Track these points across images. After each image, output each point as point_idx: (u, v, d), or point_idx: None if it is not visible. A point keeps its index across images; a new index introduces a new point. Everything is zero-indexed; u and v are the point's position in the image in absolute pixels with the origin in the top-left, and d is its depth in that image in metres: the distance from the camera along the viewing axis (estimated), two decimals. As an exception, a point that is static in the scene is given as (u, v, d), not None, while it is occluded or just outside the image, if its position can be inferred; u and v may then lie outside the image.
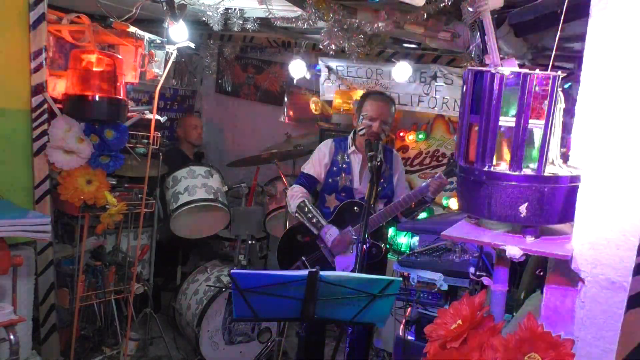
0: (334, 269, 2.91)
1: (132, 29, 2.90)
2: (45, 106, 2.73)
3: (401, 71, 3.91)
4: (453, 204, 4.10)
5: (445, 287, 2.70)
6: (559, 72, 1.25)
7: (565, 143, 1.38)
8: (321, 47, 2.78)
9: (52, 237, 2.87)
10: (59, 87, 2.89)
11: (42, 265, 2.85)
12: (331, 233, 2.85)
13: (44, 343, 2.94)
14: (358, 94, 4.28)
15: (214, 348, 3.47)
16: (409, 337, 2.86)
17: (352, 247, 2.89)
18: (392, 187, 3.08)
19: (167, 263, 4.18)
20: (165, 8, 2.68)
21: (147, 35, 3.00)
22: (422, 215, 3.89)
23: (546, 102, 1.23)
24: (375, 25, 2.44)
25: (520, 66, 2.05)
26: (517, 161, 1.25)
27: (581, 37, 1.23)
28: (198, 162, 4.29)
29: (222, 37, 4.58)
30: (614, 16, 1.15)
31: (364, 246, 2.22)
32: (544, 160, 1.25)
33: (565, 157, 1.34)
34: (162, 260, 3.93)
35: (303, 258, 3.00)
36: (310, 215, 2.90)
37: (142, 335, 3.58)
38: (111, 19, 2.85)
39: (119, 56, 2.86)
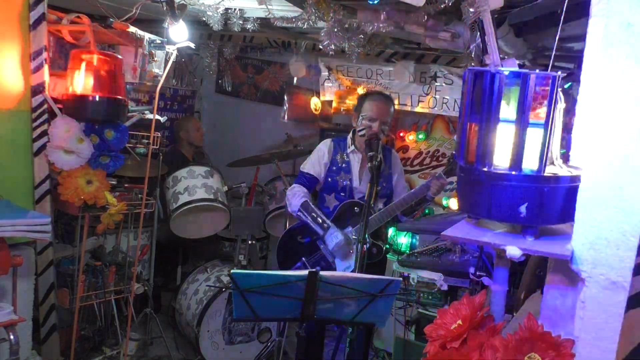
0: (334, 269, 2.91)
1: (132, 29, 2.89)
2: (45, 106, 2.72)
3: (401, 71, 3.92)
4: (453, 204, 4.10)
5: (445, 287, 2.70)
6: (559, 72, 1.25)
7: (565, 143, 1.38)
8: (321, 47, 2.78)
9: (52, 237, 2.87)
10: (59, 87, 2.89)
11: (42, 265, 2.85)
12: (335, 235, 2.81)
13: (44, 343, 2.94)
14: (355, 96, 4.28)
15: (214, 348, 3.47)
16: (409, 337, 2.87)
17: (352, 249, 2.88)
18: (392, 186, 3.08)
19: (167, 263, 4.18)
20: (165, 8, 2.67)
21: (147, 35, 3.00)
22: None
23: (546, 102, 1.23)
24: (375, 25, 2.43)
25: (520, 66, 2.06)
26: (517, 161, 1.25)
27: (581, 37, 1.23)
28: (198, 162, 4.28)
29: (222, 37, 4.58)
30: (614, 16, 1.15)
31: (364, 246, 2.22)
32: (544, 160, 1.25)
33: (565, 157, 1.34)
34: (162, 260, 3.93)
35: (303, 259, 3.00)
36: (314, 214, 2.88)
37: (142, 335, 3.58)
38: (111, 19, 2.84)
39: (119, 56, 2.86)
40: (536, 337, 1.20)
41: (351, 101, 4.38)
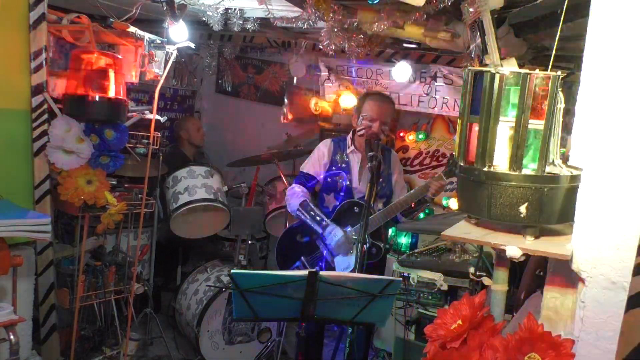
0: (333, 269, 2.91)
1: (132, 29, 2.89)
2: (45, 106, 2.72)
3: (401, 71, 3.91)
4: (453, 204, 4.10)
5: (445, 287, 2.70)
6: (559, 72, 1.25)
7: (565, 143, 1.39)
8: (321, 47, 2.78)
9: (52, 237, 2.87)
10: (59, 87, 2.89)
11: (42, 265, 2.85)
12: (335, 233, 2.82)
13: (44, 343, 2.94)
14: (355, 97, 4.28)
15: (214, 348, 3.47)
16: (409, 337, 2.87)
17: (352, 248, 2.88)
18: (391, 186, 3.08)
19: (167, 263, 4.18)
20: (165, 8, 2.68)
21: (147, 35, 3.00)
22: (422, 215, 3.90)
23: (546, 102, 1.23)
24: (375, 25, 2.43)
25: (520, 66, 2.06)
26: (517, 161, 1.25)
27: (581, 37, 1.23)
28: (198, 162, 4.28)
29: (222, 37, 4.58)
30: (614, 16, 1.15)
31: (364, 246, 2.22)
32: (544, 160, 1.25)
33: (565, 157, 1.34)
34: (162, 260, 3.93)
35: (302, 258, 3.00)
36: (313, 213, 2.89)
37: (142, 335, 3.58)
38: (111, 19, 2.84)
39: (119, 56, 2.86)
40: (536, 337, 1.20)
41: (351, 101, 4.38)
